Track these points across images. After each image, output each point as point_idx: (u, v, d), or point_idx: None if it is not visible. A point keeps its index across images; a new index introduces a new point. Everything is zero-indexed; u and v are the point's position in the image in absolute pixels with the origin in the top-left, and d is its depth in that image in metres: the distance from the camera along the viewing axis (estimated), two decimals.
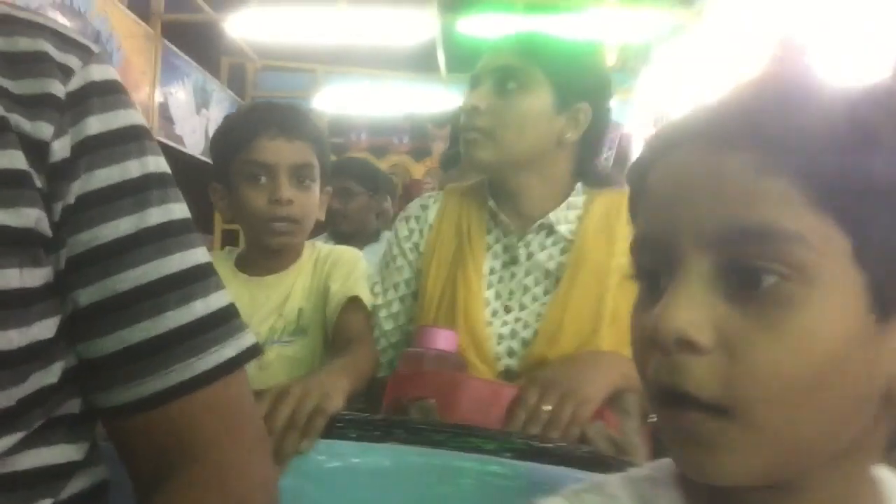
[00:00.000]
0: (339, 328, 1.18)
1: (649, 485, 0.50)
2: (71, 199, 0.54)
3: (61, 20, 0.62)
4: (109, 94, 0.58)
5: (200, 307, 0.57)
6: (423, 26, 4.71)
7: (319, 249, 1.32)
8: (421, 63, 5.64)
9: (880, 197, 0.40)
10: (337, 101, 5.95)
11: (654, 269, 0.45)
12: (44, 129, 0.53)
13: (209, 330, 0.57)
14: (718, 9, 5.33)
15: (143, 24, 4.40)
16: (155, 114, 4.50)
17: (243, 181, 1.23)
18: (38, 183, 0.53)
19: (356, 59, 5.53)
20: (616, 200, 1.17)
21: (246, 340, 0.60)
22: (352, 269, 1.26)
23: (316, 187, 1.27)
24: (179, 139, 4.86)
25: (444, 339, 1.05)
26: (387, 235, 2.74)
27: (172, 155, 4.47)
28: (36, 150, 0.53)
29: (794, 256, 0.40)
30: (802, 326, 0.40)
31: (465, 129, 1.15)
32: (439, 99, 5.69)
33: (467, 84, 1.19)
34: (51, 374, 0.54)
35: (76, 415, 0.57)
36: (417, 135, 6.75)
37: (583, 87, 1.15)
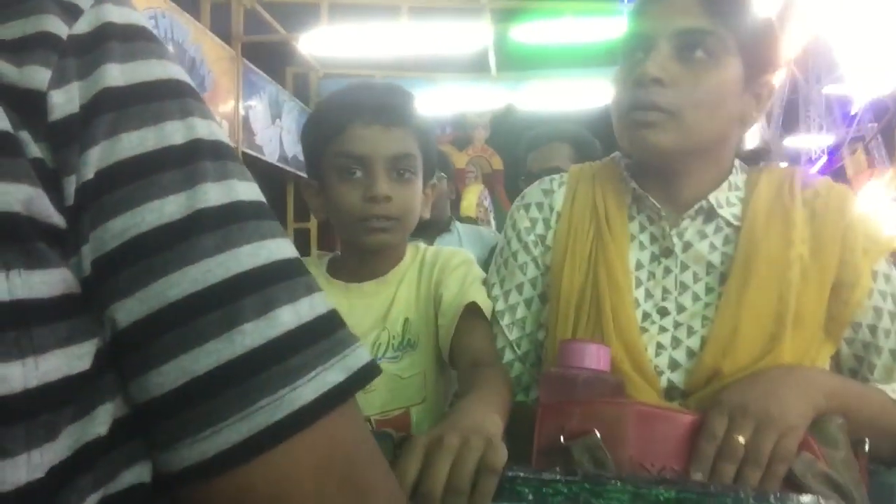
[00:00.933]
0: (460, 344, 0.87)
1: None
2: (89, 174, 0.34)
3: None
4: (135, 39, 0.37)
5: (288, 316, 0.35)
6: (477, 35, 4.51)
7: (424, 251, 1.00)
8: (472, 64, 5.33)
9: None
10: None
11: None
12: (36, 75, 0.34)
13: (304, 347, 0.35)
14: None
15: (227, 47, 4.29)
16: (240, 127, 4.39)
17: (335, 176, 0.93)
18: (34, 150, 0.33)
19: (411, 63, 5.26)
20: (785, 178, 0.85)
21: (358, 358, 0.37)
22: (466, 274, 0.94)
23: (418, 181, 0.95)
24: (259, 148, 4.78)
25: (595, 356, 0.74)
26: (458, 226, 2.39)
27: (255, 163, 4.39)
28: (26, 103, 0.33)
29: None
30: None
31: (636, 107, 0.80)
32: (490, 97, 5.51)
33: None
34: (95, 425, 0.33)
35: (148, 485, 0.35)
36: (459, 125, 6.42)
37: (771, 58, 0.83)
